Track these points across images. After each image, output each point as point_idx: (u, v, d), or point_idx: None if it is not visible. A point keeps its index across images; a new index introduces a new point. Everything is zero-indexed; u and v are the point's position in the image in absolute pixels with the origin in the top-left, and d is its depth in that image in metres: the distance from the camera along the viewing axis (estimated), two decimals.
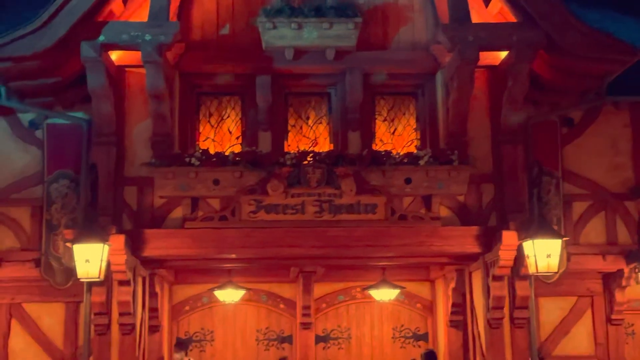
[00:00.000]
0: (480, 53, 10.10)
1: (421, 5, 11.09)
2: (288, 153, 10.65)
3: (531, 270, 9.50)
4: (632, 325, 12.83)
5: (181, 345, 12.56)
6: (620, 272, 11.70)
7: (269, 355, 13.15)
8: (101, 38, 9.80)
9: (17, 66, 9.93)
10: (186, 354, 12.22)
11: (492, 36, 10.23)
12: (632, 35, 11.15)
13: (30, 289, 11.66)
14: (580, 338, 12.30)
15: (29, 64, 9.91)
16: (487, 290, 10.39)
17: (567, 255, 10.47)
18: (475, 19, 10.36)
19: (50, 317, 11.87)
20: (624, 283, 11.80)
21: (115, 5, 10.29)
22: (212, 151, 10.64)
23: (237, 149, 10.98)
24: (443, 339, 13.08)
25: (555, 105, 11.64)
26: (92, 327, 9.86)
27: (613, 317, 12.17)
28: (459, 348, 12.20)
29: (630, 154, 12.07)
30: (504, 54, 10.52)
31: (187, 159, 10.19)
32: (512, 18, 10.39)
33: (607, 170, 11.97)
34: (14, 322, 11.84)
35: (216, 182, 10.20)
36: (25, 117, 11.51)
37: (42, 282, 11.18)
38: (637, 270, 11.51)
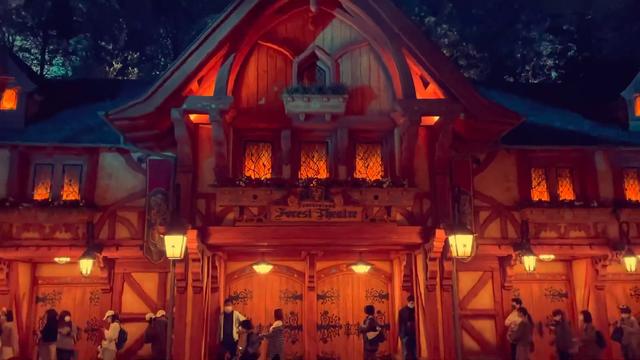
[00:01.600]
0: (422, 117, 10.80)
1: (385, 87, 11.69)
2: (300, 179, 11.28)
3: (454, 254, 10.39)
4: (518, 289, 13.41)
5: (228, 301, 12.78)
6: (509, 256, 12.42)
7: (287, 306, 13.33)
8: (184, 106, 10.57)
9: (131, 123, 10.78)
10: (232, 305, 12.55)
11: (429, 107, 10.94)
12: (517, 107, 11.92)
13: (136, 263, 12.44)
14: (484, 298, 13.02)
15: (139, 122, 10.74)
16: (425, 267, 11.20)
17: (476, 245, 11.16)
18: (418, 95, 11.02)
19: (149, 281, 12.74)
20: (512, 263, 12.52)
21: (193, 85, 11.06)
22: (252, 177, 11.18)
23: (268, 175, 11.47)
24: (398, 297, 13.46)
25: (468, 150, 12.17)
26: (175, 288, 10.71)
27: (505, 284, 12.97)
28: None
29: (516, 181, 12.68)
30: (436, 118, 11.18)
31: (237, 182, 10.83)
32: (441, 95, 11.12)
33: (501, 192, 12.58)
34: (125, 285, 12.74)
35: (255, 197, 10.84)
36: (135, 155, 12.19)
37: (144, 259, 11.89)
38: (520, 255, 12.07)
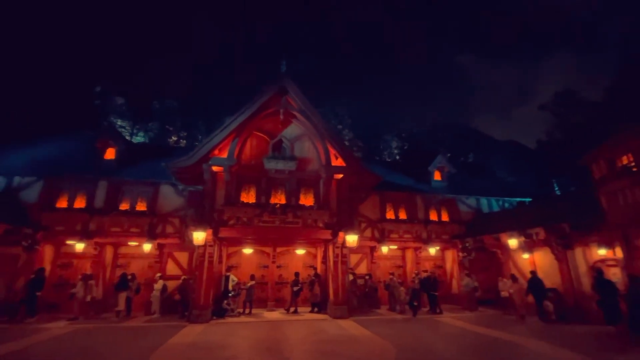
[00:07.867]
0: (334, 174, 11.10)
1: (316, 158, 11.44)
2: (271, 203, 10.75)
3: (347, 244, 10.40)
4: (379, 263, 13.44)
5: (229, 268, 12.10)
6: (375, 246, 12.71)
7: (260, 271, 12.41)
8: (210, 162, 10.33)
9: (179, 170, 10.36)
10: (229, 271, 11.82)
11: (337, 170, 11.14)
12: (381, 172, 12.22)
13: (176, 246, 11.71)
14: (362, 267, 13.01)
15: (184, 169, 10.33)
16: (333, 251, 10.88)
17: (359, 239, 10.88)
18: (333, 163, 11.21)
19: (182, 257, 11.93)
20: (376, 249, 12.79)
21: (216, 152, 10.69)
22: (245, 201, 10.68)
23: (253, 200, 10.79)
24: (319, 267, 12.55)
25: (357, 192, 12.48)
26: (198, 260, 9.94)
27: (373, 261, 13.11)
28: (325, 271, 11.89)
29: (379, 208, 13.04)
30: (341, 175, 11.31)
31: (236, 204, 10.43)
32: (344, 164, 11.23)
33: (372, 213, 12.97)
34: (169, 259, 11.81)
35: (246, 212, 10.38)
36: (180, 187, 11.70)
37: (181, 244, 11.31)
38: (380, 245, 12.40)
